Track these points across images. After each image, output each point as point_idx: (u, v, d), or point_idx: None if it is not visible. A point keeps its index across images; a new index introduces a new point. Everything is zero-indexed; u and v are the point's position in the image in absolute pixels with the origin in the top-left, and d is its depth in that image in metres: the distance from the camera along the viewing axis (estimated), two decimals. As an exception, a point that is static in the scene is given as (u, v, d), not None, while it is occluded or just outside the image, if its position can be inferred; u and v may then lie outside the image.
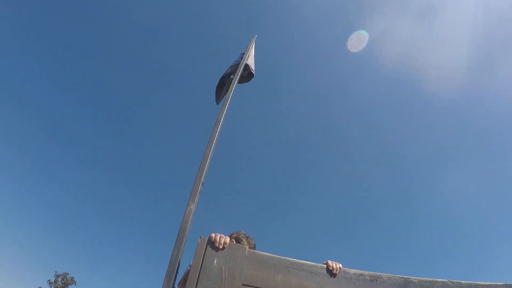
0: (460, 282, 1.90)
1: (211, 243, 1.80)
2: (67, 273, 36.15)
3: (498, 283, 2.03)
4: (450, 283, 1.88)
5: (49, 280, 35.08)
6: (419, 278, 1.92)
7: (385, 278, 1.92)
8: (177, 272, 1.71)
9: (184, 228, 1.84)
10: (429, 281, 1.90)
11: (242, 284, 1.72)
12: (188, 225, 1.86)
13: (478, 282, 1.92)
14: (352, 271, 1.94)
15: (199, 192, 2.08)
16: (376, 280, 1.91)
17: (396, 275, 1.94)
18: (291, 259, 1.93)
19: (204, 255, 1.74)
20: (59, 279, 35.48)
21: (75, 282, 36.10)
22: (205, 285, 1.63)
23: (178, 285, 2.01)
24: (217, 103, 3.04)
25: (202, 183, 2.14)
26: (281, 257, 2.00)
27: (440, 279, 1.91)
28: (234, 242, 1.90)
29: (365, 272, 1.94)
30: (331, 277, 1.89)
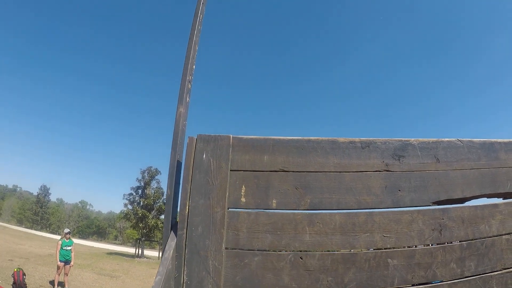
0: (471, 141, 1.41)
1: (199, 141, 2.00)
2: (151, 166, 38.34)
3: None
4: (459, 142, 1.43)
5: (137, 178, 37.77)
6: (421, 139, 1.54)
7: (379, 143, 1.66)
8: (177, 173, 2.03)
9: (177, 132, 2.06)
10: (432, 142, 1.51)
11: (230, 170, 1.93)
12: (179, 129, 2.06)
13: (495, 140, 1.35)
14: (341, 139, 1.76)
15: (189, 93, 2.14)
16: (369, 146, 1.69)
17: (392, 139, 1.63)
18: (276, 137, 1.92)
19: (194, 153, 1.99)
20: (145, 173, 37.78)
21: (159, 172, 38.07)
22: (198, 178, 1.94)
23: None
24: None
25: (190, 81, 2.16)
26: (266, 137, 2.01)
27: (447, 139, 1.46)
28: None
29: (356, 139, 1.73)
30: (317, 149, 1.81)
